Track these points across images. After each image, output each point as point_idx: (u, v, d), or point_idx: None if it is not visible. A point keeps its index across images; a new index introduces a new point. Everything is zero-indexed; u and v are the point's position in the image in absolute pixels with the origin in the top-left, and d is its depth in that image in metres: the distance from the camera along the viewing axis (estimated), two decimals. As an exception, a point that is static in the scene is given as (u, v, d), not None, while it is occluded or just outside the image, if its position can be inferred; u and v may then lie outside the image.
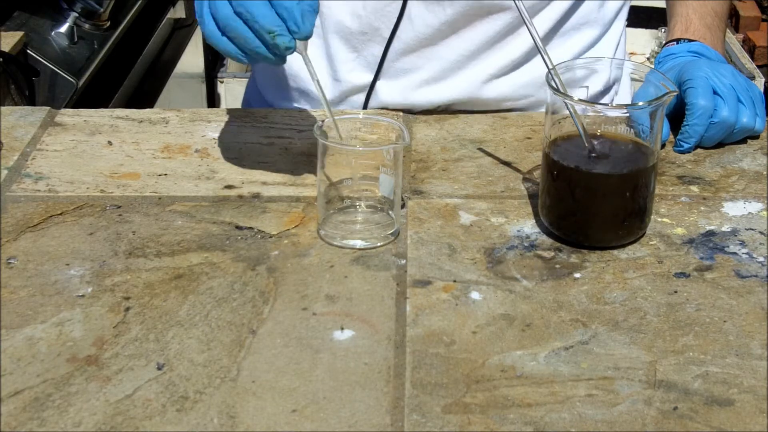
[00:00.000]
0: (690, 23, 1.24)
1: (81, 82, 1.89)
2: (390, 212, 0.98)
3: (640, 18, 3.16)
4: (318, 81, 0.97)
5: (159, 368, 0.82)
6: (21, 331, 0.86)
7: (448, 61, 1.22)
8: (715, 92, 1.11)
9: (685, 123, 1.12)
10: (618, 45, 1.33)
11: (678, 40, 1.23)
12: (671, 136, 1.15)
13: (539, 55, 0.98)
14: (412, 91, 1.24)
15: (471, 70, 1.23)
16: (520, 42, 1.22)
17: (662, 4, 1.35)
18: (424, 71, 1.23)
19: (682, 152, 1.13)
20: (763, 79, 3.02)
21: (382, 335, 0.86)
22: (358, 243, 0.97)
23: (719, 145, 1.14)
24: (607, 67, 1.24)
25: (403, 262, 0.95)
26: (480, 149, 1.14)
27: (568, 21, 1.25)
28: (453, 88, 1.24)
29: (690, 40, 1.22)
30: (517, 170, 1.10)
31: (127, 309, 0.89)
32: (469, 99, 1.24)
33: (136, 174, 1.09)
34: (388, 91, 1.24)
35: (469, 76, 1.23)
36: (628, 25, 1.46)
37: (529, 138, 1.16)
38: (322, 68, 1.24)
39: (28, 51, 1.82)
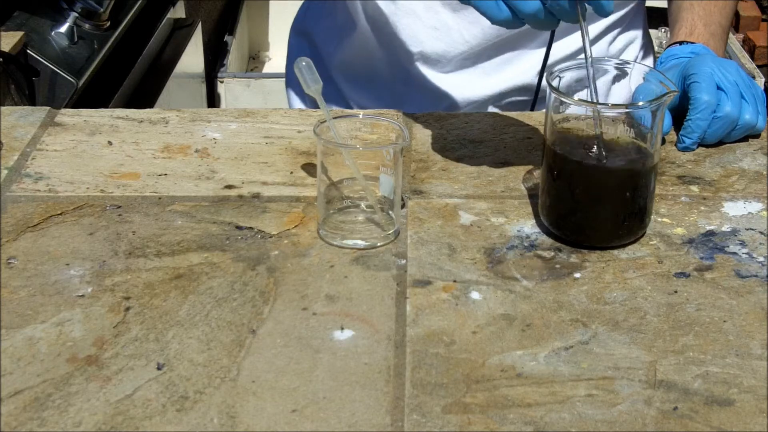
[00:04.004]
0: (694, 28, 1.24)
1: (81, 82, 1.89)
2: (390, 212, 0.98)
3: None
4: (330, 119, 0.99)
5: (159, 368, 0.82)
6: (21, 331, 0.86)
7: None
8: (718, 87, 1.11)
9: (688, 118, 1.12)
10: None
11: (681, 43, 1.23)
12: (672, 130, 1.16)
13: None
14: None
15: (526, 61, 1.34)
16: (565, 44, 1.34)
17: (663, 4, 1.35)
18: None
19: (685, 149, 1.13)
20: (763, 79, 3.02)
21: (382, 335, 0.86)
22: (359, 243, 0.97)
23: (720, 144, 1.14)
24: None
25: (403, 262, 0.95)
26: (479, 149, 1.14)
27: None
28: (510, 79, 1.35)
29: (692, 43, 1.22)
30: (517, 170, 1.10)
31: (127, 309, 0.89)
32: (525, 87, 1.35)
33: (136, 174, 1.09)
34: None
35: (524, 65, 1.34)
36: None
37: (529, 138, 1.16)
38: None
39: (28, 51, 1.81)
